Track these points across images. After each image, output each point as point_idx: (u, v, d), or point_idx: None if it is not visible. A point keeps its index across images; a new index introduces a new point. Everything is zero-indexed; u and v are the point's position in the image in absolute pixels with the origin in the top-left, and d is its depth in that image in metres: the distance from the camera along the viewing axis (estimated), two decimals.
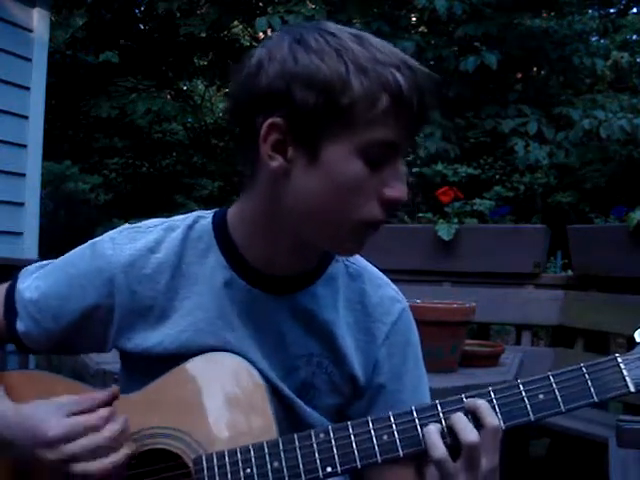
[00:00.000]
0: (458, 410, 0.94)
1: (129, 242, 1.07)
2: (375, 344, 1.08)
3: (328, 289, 1.07)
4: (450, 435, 0.93)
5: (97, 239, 1.09)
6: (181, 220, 1.09)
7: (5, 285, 1.13)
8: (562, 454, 3.34)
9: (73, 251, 1.11)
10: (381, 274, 1.14)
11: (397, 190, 0.95)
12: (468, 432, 0.91)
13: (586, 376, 0.94)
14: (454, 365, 2.23)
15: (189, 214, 1.11)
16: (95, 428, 0.94)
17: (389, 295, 1.12)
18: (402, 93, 0.91)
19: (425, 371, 1.14)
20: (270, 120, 0.92)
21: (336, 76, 0.90)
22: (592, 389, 0.93)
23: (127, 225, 1.11)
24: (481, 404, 0.93)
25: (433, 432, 0.93)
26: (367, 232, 0.98)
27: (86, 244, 1.10)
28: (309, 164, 0.93)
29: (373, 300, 1.10)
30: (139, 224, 1.11)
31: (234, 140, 0.99)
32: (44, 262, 1.14)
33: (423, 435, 0.93)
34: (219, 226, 1.06)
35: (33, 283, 1.10)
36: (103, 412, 0.96)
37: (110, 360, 1.86)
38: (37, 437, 0.93)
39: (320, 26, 0.95)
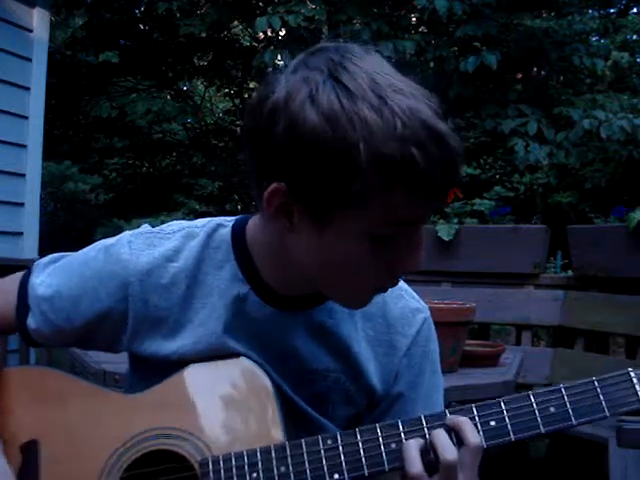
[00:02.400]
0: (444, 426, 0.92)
1: (147, 248, 1.04)
2: (396, 356, 1.07)
3: None
4: (432, 451, 0.91)
5: (113, 240, 1.07)
6: (201, 227, 1.06)
7: (18, 276, 1.11)
8: (562, 454, 3.34)
9: (88, 250, 1.08)
10: (403, 283, 1.11)
11: (409, 264, 0.91)
12: (447, 450, 0.90)
13: (598, 390, 0.92)
14: (454, 365, 2.23)
15: (210, 220, 1.07)
16: None
17: (411, 307, 1.10)
18: (421, 177, 0.82)
19: (442, 379, 1.13)
20: (274, 185, 0.87)
21: (347, 156, 0.81)
22: (604, 403, 0.92)
23: (146, 227, 1.08)
24: (463, 421, 0.91)
25: (413, 447, 0.91)
26: (374, 293, 0.97)
27: (101, 244, 1.07)
28: (313, 233, 0.89)
29: (394, 312, 1.08)
30: (157, 228, 1.08)
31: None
32: (57, 255, 1.11)
33: (402, 449, 0.91)
34: (238, 238, 1.03)
35: (47, 280, 1.08)
36: None
37: (110, 360, 1.86)
38: None
39: (340, 75, 0.84)
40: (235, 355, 1.02)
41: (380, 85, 0.83)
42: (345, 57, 0.86)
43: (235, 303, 1.02)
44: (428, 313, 1.12)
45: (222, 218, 1.08)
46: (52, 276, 1.08)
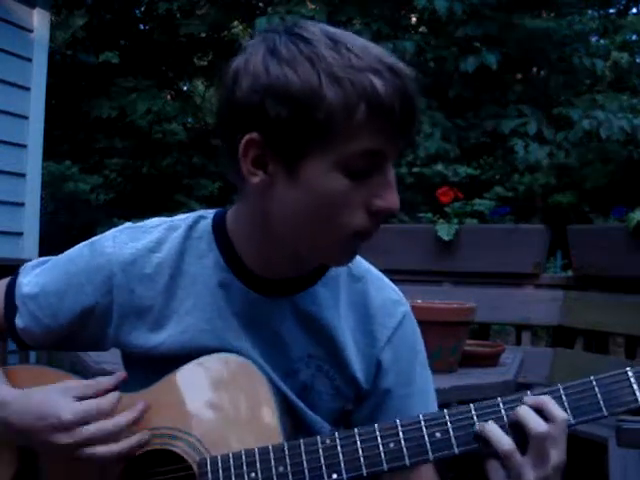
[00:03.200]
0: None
1: (130, 241, 1.06)
2: (376, 347, 1.07)
3: (329, 290, 1.06)
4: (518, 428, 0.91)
5: (98, 237, 1.09)
6: (183, 220, 1.08)
7: (6, 280, 1.13)
8: None
9: (74, 248, 1.11)
10: (383, 276, 1.13)
11: (386, 200, 0.92)
12: (537, 422, 0.90)
13: (596, 389, 0.92)
14: (454, 365, 2.23)
15: (191, 213, 1.10)
16: (106, 412, 0.97)
17: (392, 298, 1.11)
18: (381, 99, 0.86)
19: (429, 371, 1.14)
20: (248, 136, 0.90)
21: (309, 89, 0.86)
22: (602, 403, 0.92)
23: (129, 224, 1.11)
24: (547, 399, 0.92)
25: (494, 427, 0.91)
26: (357, 242, 0.96)
27: (87, 241, 1.10)
28: (289, 179, 0.91)
29: (375, 303, 1.09)
30: (141, 223, 1.10)
31: (221, 150, 0.98)
32: (45, 258, 1.14)
33: (482, 432, 0.91)
34: (218, 227, 1.06)
35: (34, 279, 1.10)
36: (112, 397, 0.98)
37: (110, 360, 1.86)
38: (50, 422, 0.95)
39: (295, 30, 0.92)
40: (223, 348, 1.02)
41: (333, 33, 0.91)
42: (298, 22, 0.95)
43: (219, 291, 1.03)
44: (408, 307, 1.12)
45: (203, 211, 1.10)
46: (39, 276, 1.10)
